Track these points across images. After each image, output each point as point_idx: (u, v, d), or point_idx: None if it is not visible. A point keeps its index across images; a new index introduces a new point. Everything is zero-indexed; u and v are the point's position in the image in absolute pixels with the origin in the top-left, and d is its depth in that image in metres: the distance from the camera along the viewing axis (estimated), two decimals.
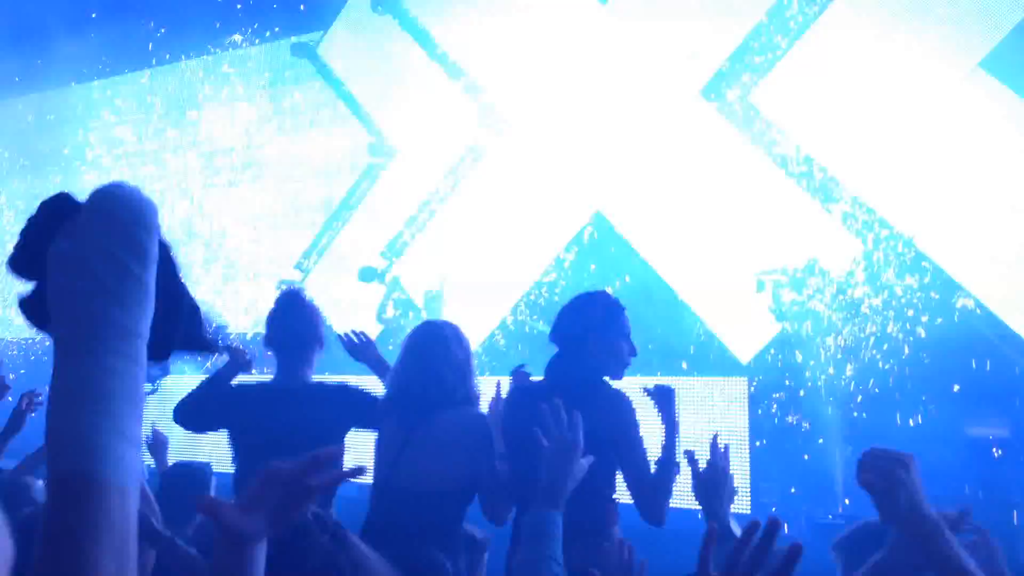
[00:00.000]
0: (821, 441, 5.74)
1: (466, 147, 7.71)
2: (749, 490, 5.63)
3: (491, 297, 7.39)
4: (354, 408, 3.34)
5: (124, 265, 0.83)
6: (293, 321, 3.41)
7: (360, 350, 3.58)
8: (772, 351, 6.28)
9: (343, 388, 3.44)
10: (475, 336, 5.46)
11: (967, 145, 5.82)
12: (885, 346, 5.76)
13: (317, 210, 8.34)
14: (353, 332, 3.63)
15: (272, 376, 3.46)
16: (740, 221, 6.61)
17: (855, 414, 5.69)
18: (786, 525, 4.31)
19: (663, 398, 3.04)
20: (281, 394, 3.36)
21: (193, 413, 3.42)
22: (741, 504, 5.49)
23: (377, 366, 3.56)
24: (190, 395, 3.44)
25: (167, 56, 8.82)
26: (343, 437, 3.34)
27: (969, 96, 5.87)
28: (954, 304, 5.67)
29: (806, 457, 5.72)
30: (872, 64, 6.18)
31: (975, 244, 5.75)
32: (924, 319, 5.72)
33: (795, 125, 6.55)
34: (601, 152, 7.17)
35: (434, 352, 3.08)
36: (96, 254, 0.82)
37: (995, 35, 5.91)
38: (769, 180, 6.62)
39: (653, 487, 2.87)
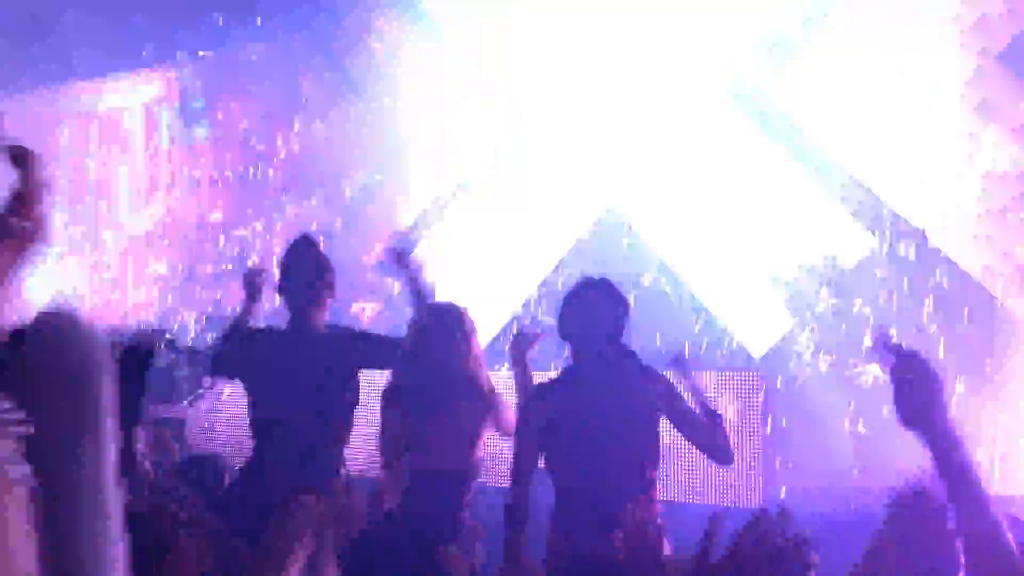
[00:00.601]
0: (833, 438, 5.72)
1: (478, 141, 7.74)
2: (762, 486, 5.65)
3: (502, 292, 7.41)
4: (363, 352, 3.43)
5: None
6: (302, 268, 3.46)
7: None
8: (786, 347, 6.27)
9: (352, 333, 3.56)
10: (486, 330, 5.47)
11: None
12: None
13: None
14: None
15: (285, 323, 3.55)
16: (755, 216, 6.61)
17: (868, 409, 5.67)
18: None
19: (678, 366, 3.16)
20: (292, 341, 3.43)
21: (224, 364, 3.61)
22: (752, 499, 5.49)
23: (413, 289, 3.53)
24: (219, 347, 3.62)
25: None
26: (354, 381, 3.43)
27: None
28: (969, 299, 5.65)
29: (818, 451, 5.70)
30: (887, 59, 6.16)
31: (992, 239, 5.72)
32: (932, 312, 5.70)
33: (813, 119, 6.55)
34: (615, 145, 7.18)
35: (444, 344, 3.10)
36: None
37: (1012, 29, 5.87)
38: (786, 174, 6.62)
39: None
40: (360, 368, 3.45)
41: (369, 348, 3.47)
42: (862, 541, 2.61)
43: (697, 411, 3.10)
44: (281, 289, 3.51)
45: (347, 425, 3.37)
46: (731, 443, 3.16)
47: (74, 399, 1.06)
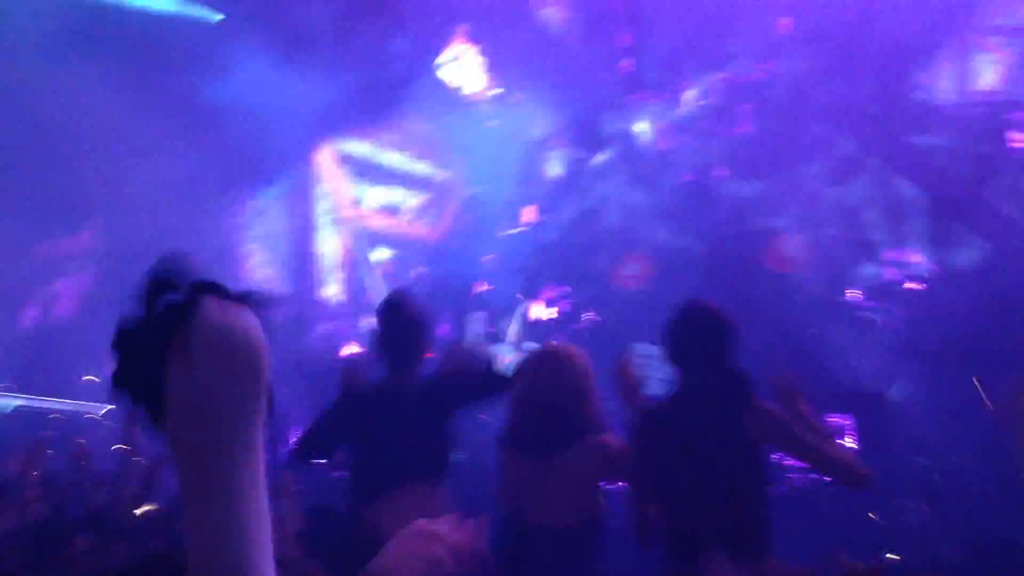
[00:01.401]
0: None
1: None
2: None
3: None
4: (461, 392, 3.36)
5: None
6: (398, 328, 3.36)
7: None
8: None
9: (448, 375, 3.42)
10: None
11: None
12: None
13: None
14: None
15: (383, 379, 3.43)
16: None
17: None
18: None
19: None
20: (390, 395, 3.34)
21: (316, 445, 3.41)
22: None
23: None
24: (312, 432, 3.40)
25: None
26: (451, 424, 3.35)
27: None
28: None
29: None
30: None
31: None
32: None
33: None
34: None
35: (554, 383, 3.01)
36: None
37: None
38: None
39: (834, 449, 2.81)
40: (458, 412, 3.36)
41: (466, 386, 3.39)
42: None
43: (811, 437, 2.80)
44: (376, 347, 3.40)
45: (445, 466, 3.30)
46: (857, 463, 2.81)
47: None
